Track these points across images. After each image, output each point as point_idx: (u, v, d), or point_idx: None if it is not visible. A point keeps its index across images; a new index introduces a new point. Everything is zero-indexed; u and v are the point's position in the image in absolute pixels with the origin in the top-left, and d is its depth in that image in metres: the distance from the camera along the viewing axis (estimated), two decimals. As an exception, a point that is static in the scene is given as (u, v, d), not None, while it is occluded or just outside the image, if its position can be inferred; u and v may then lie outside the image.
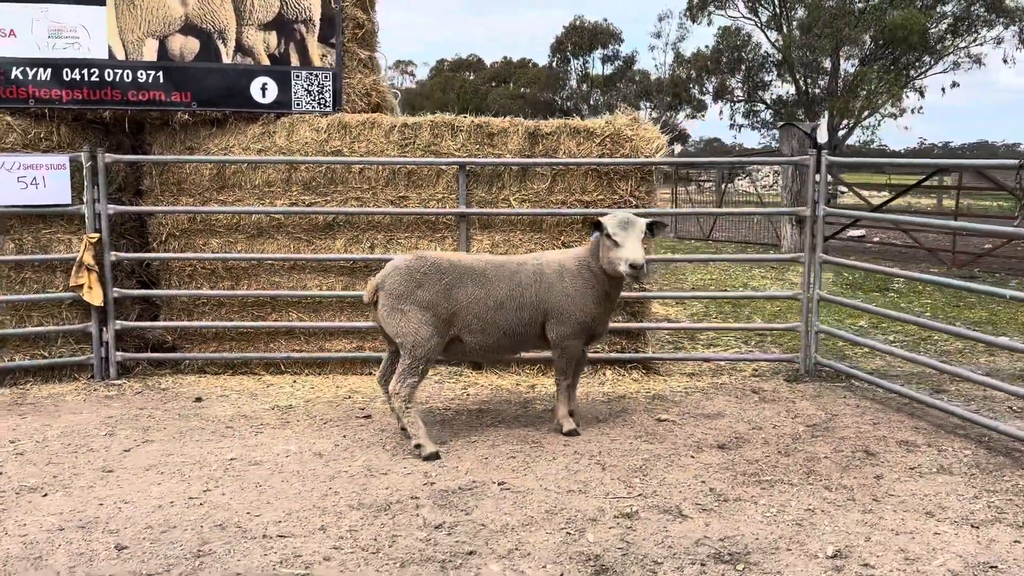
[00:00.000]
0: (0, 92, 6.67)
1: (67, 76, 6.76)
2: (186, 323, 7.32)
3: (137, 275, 7.45)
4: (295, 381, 7.14)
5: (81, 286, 6.83)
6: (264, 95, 7.12)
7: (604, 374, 7.26)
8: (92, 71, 6.79)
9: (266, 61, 7.10)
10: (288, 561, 3.90)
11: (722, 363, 7.77)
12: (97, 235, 6.85)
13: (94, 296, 6.86)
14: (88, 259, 6.80)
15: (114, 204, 6.98)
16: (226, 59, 7.03)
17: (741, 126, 52.72)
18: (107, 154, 6.83)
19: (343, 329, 7.28)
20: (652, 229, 5.62)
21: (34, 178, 6.61)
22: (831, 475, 5.02)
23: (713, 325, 9.36)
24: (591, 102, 67.57)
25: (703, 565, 3.90)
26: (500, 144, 7.14)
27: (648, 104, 74.78)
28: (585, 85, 75.29)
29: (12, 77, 6.67)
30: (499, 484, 4.85)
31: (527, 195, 7.17)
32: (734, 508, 4.55)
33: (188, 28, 6.94)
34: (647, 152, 7.13)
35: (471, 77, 79.97)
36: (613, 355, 7.29)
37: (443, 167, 7.12)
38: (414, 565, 3.88)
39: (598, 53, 74.41)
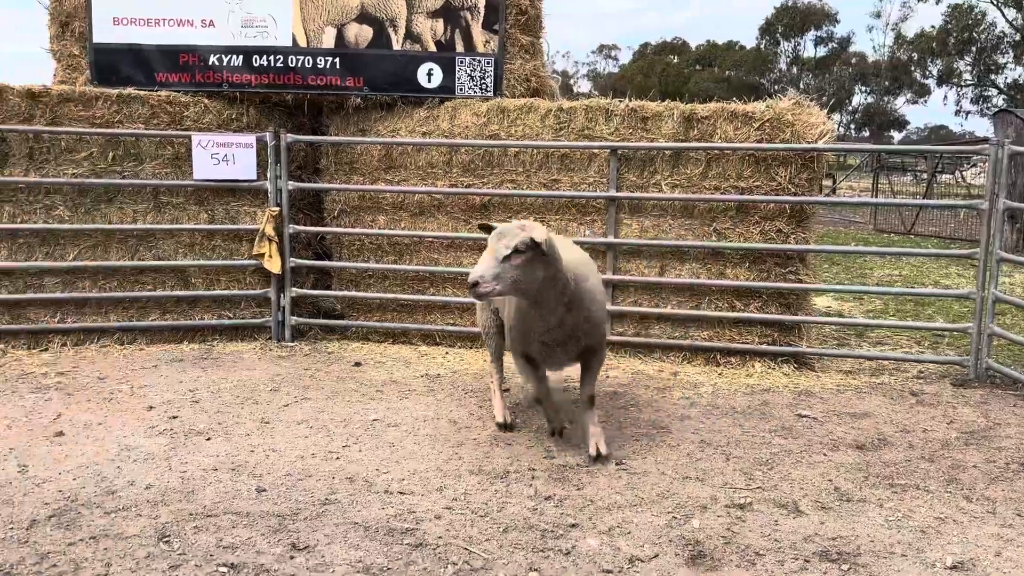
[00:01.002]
0: (199, 77, 7.43)
1: (256, 62, 7.43)
2: (354, 293, 7.86)
3: (312, 247, 8.07)
4: (447, 352, 7.50)
5: (262, 255, 7.51)
6: (430, 80, 7.49)
7: (753, 366, 7.10)
8: (278, 58, 7.42)
9: (433, 47, 7.46)
10: (402, 516, 4.17)
11: (884, 362, 7.36)
12: (278, 209, 7.49)
13: (273, 264, 7.52)
14: (269, 231, 7.45)
15: (294, 181, 7.60)
16: (396, 46, 7.46)
17: (968, 112, 48.60)
18: (289, 135, 7.44)
19: (495, 306, 7.54)
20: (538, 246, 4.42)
21: (226, 155, 7.32)
22: (975, 485, 4.69)
23: (867, 321, 8.83)
24: (800, 85, 64.64)
25: (806, 561, 3.81)
26: (654, 128, 7.12)
27: (864, 88, 70.48)
28: (795, 68, 72.09)
29: (210, 63, 7.42)
30: (617, 464, 4.92)
31: (679, 180, 7.11)
32: (855, 509, 4.37)
33: (363, 16, 7.41)
34: (810, 138, 6.86)
35: (674, 60, 78.67)
36: (763, 347, 7.10)
37: (595, 151, 7.19)
38: (516, 531, 4.04)
39: (810, 35, 71.02)
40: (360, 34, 7.43)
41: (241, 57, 7.41)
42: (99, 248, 7.34)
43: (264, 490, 4.45)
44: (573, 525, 4.12)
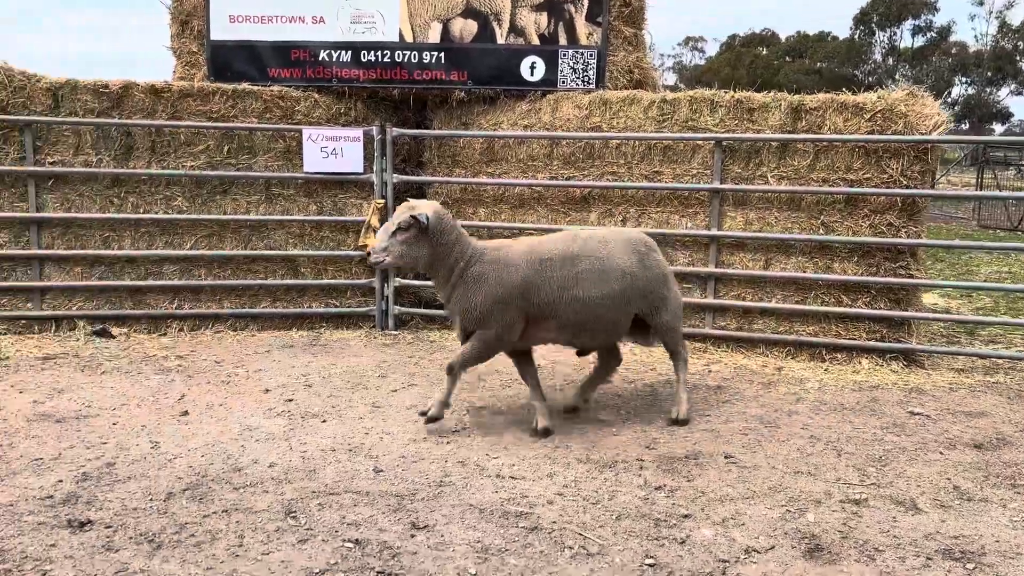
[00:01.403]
0: (310, 72, 7.67)
1: (364, 58, 7.62)
2: (431, 283, 8.01)
3: (415, 238, 8.23)
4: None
5: (367, 246, 7.70)
6: (532, 73, 7.56)
7: (859, 363, 6.95)
8: (385, 53, 7.60)
9: (536, 41, 7.52)
10: (515, 500, 4.26)
11: (999, 361, 7.12)
12: (383, 201, 7.67)
13: (378, 255, 7.70)
14: (375, 222, 7.64)
15: (398, 174, 7.77)
16: (500, 40, 7.55)
17: (1078, 104, 46.30)
18: (394, 128, 7.62)
19: (594, 298, 7.57)
20: (422, 222, 4.89)
21: (334, 149, 7.54)
22: (1105, 489, 4.52)
23: (982, 319, 8.51)
24: (896, 77, 62.49)
25: (928, 559, 3.74)
26: (760, 119, 7.03)
27: (964, 79, 67.73)
28: (891, 59, 69.78)
29: (320, 59, 7.65)
30: (726, 457, 4.91)
31: (786, 172, 7.01)
32: (977, 508, 4.26)
33: (468, 11, 7.53)
34: (924, 130, 6.68)
35: (763, 52, 77.04)
36: (871, 343, 6.94)
37: (699, 142, 7.14)
38: (628, 519, 4.08)
39: (908, 24, 68.55)
40: (465, 28, 7.55)
41: (350, 52, 7.62)
42: (214, 237, 7.66)
43: (381, 471, 4.59)
44: (686, 515, 4.14)
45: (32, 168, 7.15)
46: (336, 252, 7.86)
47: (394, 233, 4.92)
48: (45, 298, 7.38)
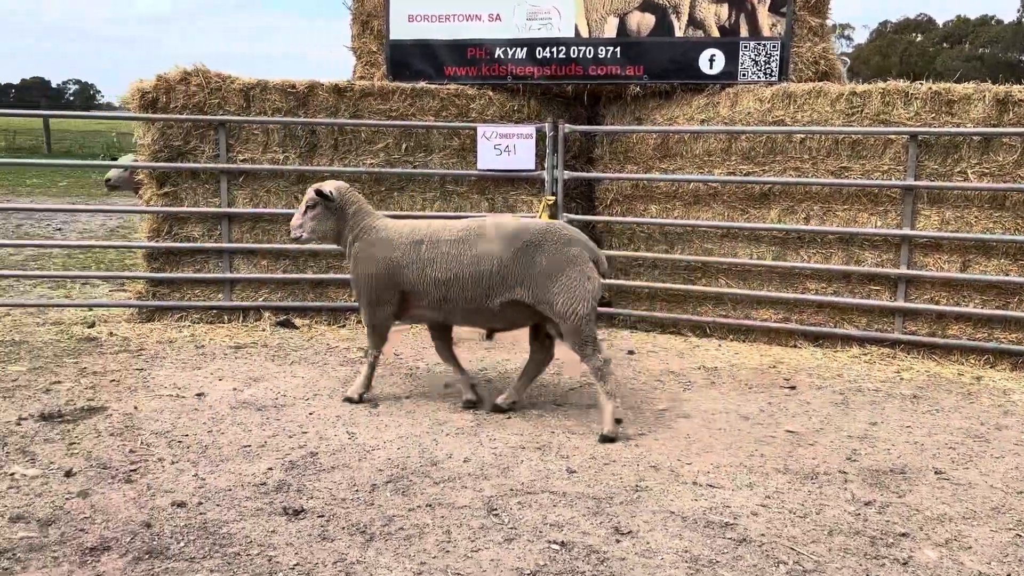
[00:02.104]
0: (485, 70, 7.74)
1: (539, 54, 7.62)
2: (622, 281, 7.90)
3: (583, 235, 8.19)
4: (720, 345, 7.37)
5: (538, 242, 7.71)
6: (711, 66, 7.36)
7: (1070, 374, 6.41)
8: (560, 49, 7.57)
9: (715, 33, 7.31)
10: (717, 509, 4.13)
11: None
12: (553, 198, 7.66)
13: (547, 251, 7.70)
14: (545, 219, 7.63)
15: (568, 170, 7.74)
16: (678, 33, 7.39)
17: None
18: (566, 125, 7.58)
19: (770, 299, 7.32)
20: (328, 196, 5.45)
21: (507, 146, 7.58)
22: None
23: None
24: (1072, 62, 57.76)
25: None
26: (960, 112, 6.59)
27: None
28: (1063, 43, 64.72)
29: (496, 56, 7.70)
30: (936, 472, 4.62)
31: (989, 168, 6.54)
32: None
33: (646, 5, 7.40)
34: None
35: (918, 38, 72.91)
36: (1084, 353, 6.40)
37: (891, 137, 6.76)
38: (842, 535, 3.88)
39: (1083, 4, 63.42)
40: (642, 22, 7.43)
41: (525, 49, 7.64)
42: (390, 233, 7.84)
43: (574, 471, 4.56)
44: (903, 534, 3.91)
45: (224, 165, 7.52)
46: (506, 248, 7.89)
47: (305, 211, 5.50)
48: (235, 289, 7.76)
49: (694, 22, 7.35)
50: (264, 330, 7.58)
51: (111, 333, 7.30)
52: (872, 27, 77.69)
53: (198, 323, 7.68)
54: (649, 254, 7.73)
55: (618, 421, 5.14)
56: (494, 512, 4.06)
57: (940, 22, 74.04)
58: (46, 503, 4.02)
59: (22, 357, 6.49)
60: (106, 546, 3.63)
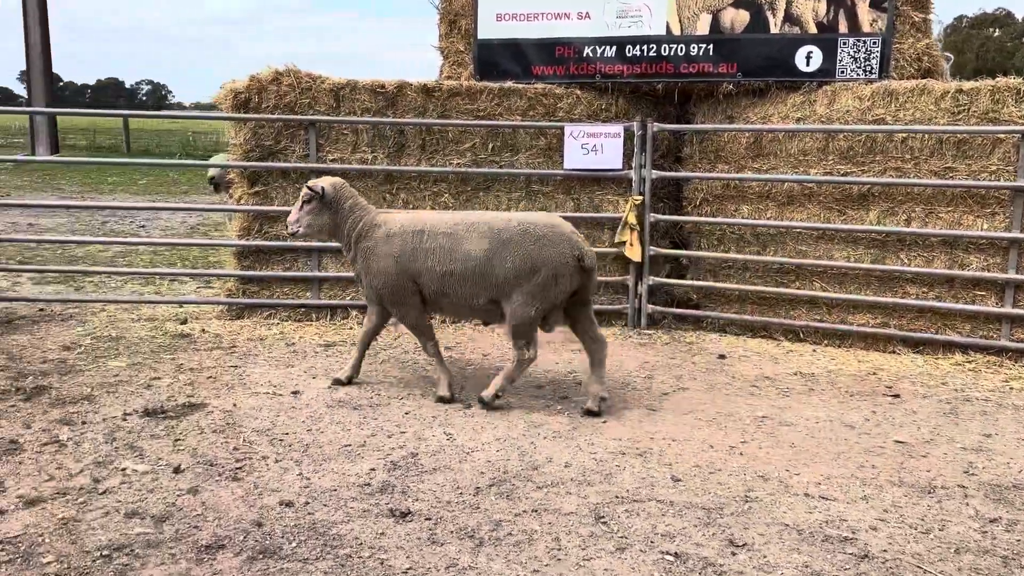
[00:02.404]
0: (573, 69, 7.66)
1: (629, 52, 7.51)
2: (711, 283, 7.74)
3: (670, 236, 8.05)
4: (814, 350, 7.16)
5: (624, 243, 7.61)
6: (808, 64, 7.15)
7: None
8: (650, 47, 7.45)
9: (813, 29, 7.11)
10: (833, 523, 3.99)
11: None
12: (641, 198, 7.54)
13: (634, 252, 7.59)
14: (632, 219, 7.53)
15: (657, 170, 7.61)
16: (774, 29, 7.20)
17: None
18: (655, 124, 7.46)
19: (868, 303, 7.08)
20: (314, 192, 5.62)
21: (594, 145, 7.49)
22: None
23: None
24: None
25: None
26: (1080, 109, 6.28)
27: None
28: None
29: (584, 55, 7.61)
30: (1062, 490, 4.39)
31: (1109, 169, 6.22)
32: None
33: (740, 1, 7.23)
34: None
35: (995, 33, 70.49)
36: None
37: (1000, 136, 6.48)
38: (970, 554, 3.71)
39: None
40: (736, 19, 7.26)
41: (614, 48, 7.53)
42: (476, 233, 7.82)
43: (679, 480, 4.45)
44: (1037, 555, 3.71)
45: (315, 164, 7.58)
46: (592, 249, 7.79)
47: (301, 206, 5.68)
48: (323, 288, 7.82)
49: (790, 18, 7.15)
50: (352, 328, 7.62)
51: (203, 330, 7.42)
52: (947, 22, 75.34)
53: (287, 321, 7.76)
54: (740, 256, 7.55)
55: (497, 397, 5.45)
56: (602, 520, 3.98)
57: (1019, 16, 71.46)
58: (158, 499, 4.07)
59: (120, 353, 6.63)
60: (220, 544, 3.66)
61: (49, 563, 3.45)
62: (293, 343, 7.09)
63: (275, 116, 7.50)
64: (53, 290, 9.04)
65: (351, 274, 7.70)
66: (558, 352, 7.00)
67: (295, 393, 5.76)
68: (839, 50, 7.06)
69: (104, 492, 4.12)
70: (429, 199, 7.76)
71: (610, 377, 6.30)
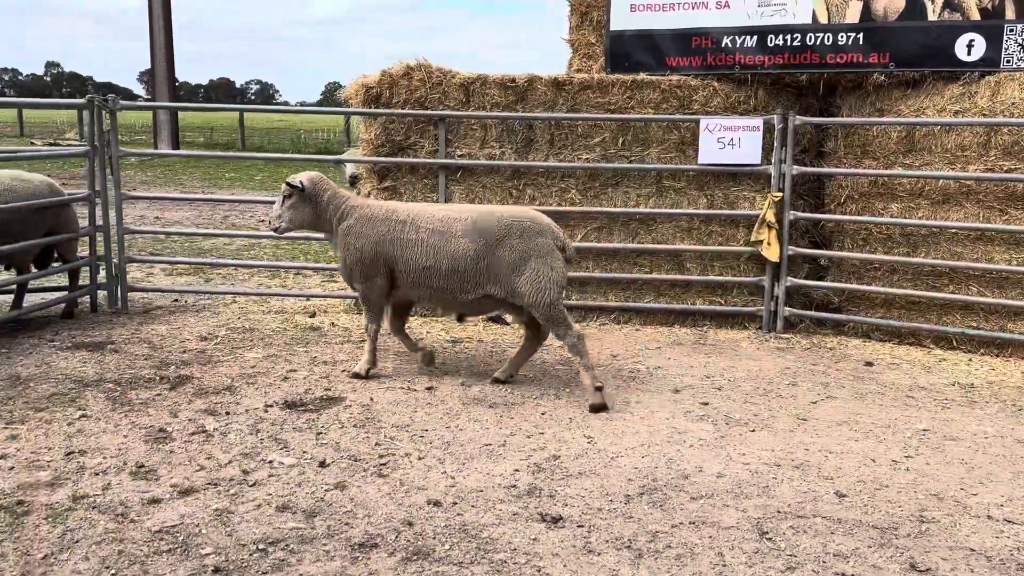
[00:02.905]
0: (711, 59, 7.36)
1: (770, 42, 7.16)
2: (855, 286, 7.33)
3: (810, 235, 7.66)
4: (971, 359, 6.68)
5: (761, 241, 7.27)
6: (969, 53, 6.67)
7: None
8: (794, 36, 7.09)
9: (976, 16, 6.62)
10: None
11: None
12: (780, 194, 7.19)
13: (772, 252, 7.25)
14: (770, 216, 7.19)
15: (797, 165, 7.24)
16: (932, 16, 6.74)
17: None
18: (797, 116, 7.09)
19: (1032, 310, 6.57)
20: (293, 187, 5.73)
21: (731, 139, 7.18)
22: None
23: None
24: None
25: None
26: None
27: None
28: None
29: (722, 45, 7.31)
30: None
31: None
32: None
33: (895, -13, 6.80)
34: None
35: None
36: None
37: None
38: None
39: None
40: (890, 6, 6.83)
41: (755, 37, 7.20)
42: (603, 230, 7.62)
43: (844, 495, 4.16)
44: None
45: (444, 160, 7.52)
46: (725, 248, 7.50)
47: (282, 202, 5.79)
48: (447, 283, 7.76)
49: (950, 4, 6.67)
50: (476, 325, 7.54)
51: (332, 323, 7.46)
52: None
53: (412, 316, 7.74)
54: (888, 257, 7.11)
55: (598, 388, 5.32)
56: (766, 536, 3.73)
57: None
58: (307, 493, 4.03)
59: (255, 344, 6.71)
60: (373, 543, 3.58)
61: (208, 555, 3.44)
62: (420, 338, 7.04)
63: (403, 111, 7.47)
64: (185, 281, 9.30)
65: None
66: (691, 355, 6.74)
67: (429, 389, 5.69)
68: (1005, 38, 6.54)
69: (254, 484, 4.12)
70: (556, 195, 7.60)
71: (749, 382, 6.03)
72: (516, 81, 7.45)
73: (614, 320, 7.69)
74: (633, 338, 7.29)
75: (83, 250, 7.92)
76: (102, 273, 7.81)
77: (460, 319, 6.64)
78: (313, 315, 7.77)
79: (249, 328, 7.23)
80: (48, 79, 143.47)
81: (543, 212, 7.55)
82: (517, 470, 4.38)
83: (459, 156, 7.59)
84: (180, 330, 7.08)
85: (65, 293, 7.59)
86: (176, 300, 8.29)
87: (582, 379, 5.44)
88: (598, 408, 5.28)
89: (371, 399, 5.43)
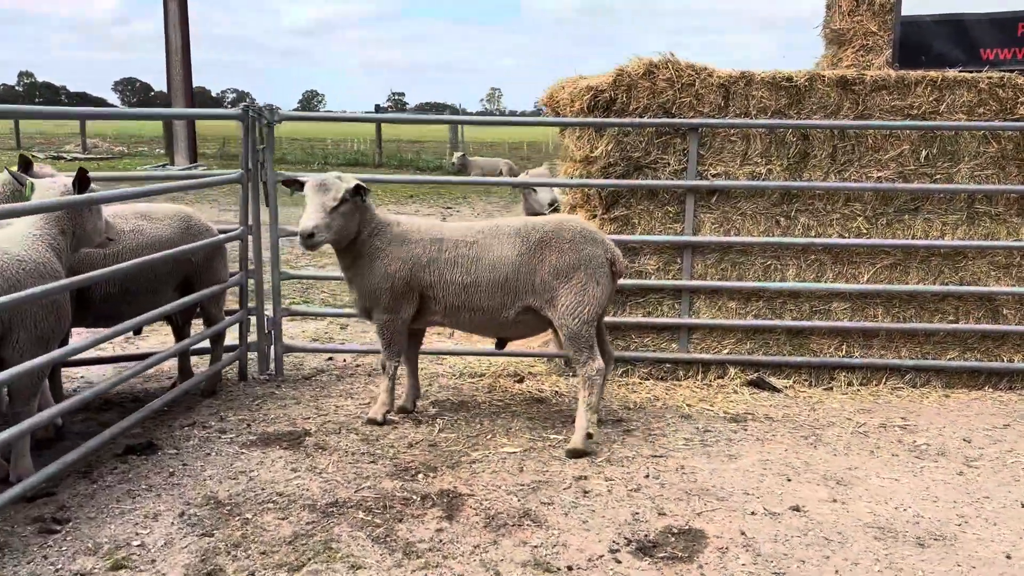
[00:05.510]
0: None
1: None
2: None
3: None
4: None
5: (1111, 282, 5.65)
6: None
7: None
8: None
9: None
10: None
11: None
12: None
13: None
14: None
15: None
16: None
17: None
18: None
19: None
20: (360, 193, 4.86)
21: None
22: None
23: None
24: None
25: None
26: None
27: None
28: None
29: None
30: None
31: None
32: None
33: None
34: None
35: None
36: None
37: None
38: None
39: None
40: None
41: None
42: (897, 268, 6.00)
43: None
44: None
45: (694, 182, 5.90)
46: (1054, 290, 5.88)
47: (332, 210, 4.77)
48: (692, 338, 6.13)
49: None
50: (729, 392, 5.91)
51: (555, 391, 5.85)
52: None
53: (646, 380, 6.12)
54: None
55: (589, 436, 4.69)
56: None
57: None
58: None
59: (489, 429, 5.07)
60: None
61: None
62: (688, 415, 5.40)
63: (637, 120, 5.84)
64: (312, 332, 7.61)
65: (727, 321, 6.03)
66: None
67: (795, 509, 4.05)
68: None
69: None
70: (837, 223, 5.97)
71: None
72: (792, 80, 5.82)
73: (908, 383, 6.06)
74: (946, 406, 5.66)
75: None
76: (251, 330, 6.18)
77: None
78: (521, 380, 6.14)
79: (457, 402, 5.60)
80: (20, 89, 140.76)
81: (821, 244, 6.01)
82: None
83: (712, 176, 5.97)
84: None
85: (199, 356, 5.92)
86: (330, 359, 6.66)
87: (577, 418, 4.76)
88: (577, 454, 4.64)
89: (742, 533, 3.78)
